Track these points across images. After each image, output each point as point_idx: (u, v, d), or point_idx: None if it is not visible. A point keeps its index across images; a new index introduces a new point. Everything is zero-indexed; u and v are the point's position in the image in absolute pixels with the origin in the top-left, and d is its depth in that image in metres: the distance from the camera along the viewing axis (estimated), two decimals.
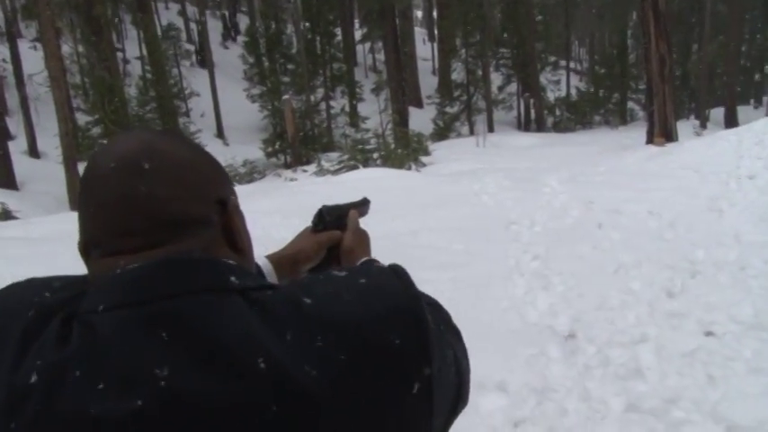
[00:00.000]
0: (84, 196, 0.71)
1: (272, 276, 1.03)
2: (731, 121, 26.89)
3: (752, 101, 37.47)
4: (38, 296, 0.70)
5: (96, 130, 19.43)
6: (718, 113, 30.18)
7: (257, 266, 1.00)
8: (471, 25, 30.60)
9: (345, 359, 0.62)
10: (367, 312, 0.66)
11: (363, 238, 1.15)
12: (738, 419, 2.87)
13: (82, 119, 20.57)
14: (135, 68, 29.84)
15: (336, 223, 1.13)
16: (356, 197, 1.25)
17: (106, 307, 0.63)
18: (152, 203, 0.68)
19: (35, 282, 0.75)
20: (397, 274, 0.74)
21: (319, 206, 1.14)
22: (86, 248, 0.71)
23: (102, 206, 0.68)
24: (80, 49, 23.83)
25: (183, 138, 0.77)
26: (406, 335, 0.66)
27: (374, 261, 1.05)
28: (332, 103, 30.04)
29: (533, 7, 32.25)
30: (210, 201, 0.73)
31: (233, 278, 0.66)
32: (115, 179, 0.68)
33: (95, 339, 0.61)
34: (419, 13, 58.03)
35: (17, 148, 20.37)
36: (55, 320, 0.64)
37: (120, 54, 28.31)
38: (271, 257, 1.08)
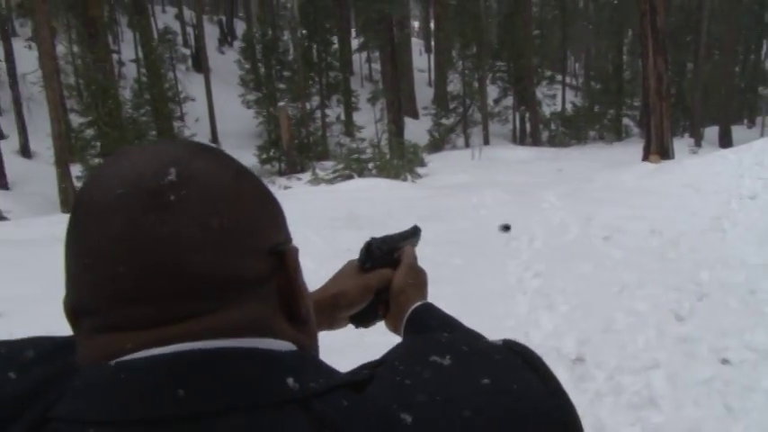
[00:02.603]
0: (74, 238, 0.48)
1: None
2: (725, 141, 27.04)
3: (745, 120, 37.66)
4: None
5: (90, 132, 19.18)
6: (711, 132, 30.32)
7: None
8: (468, 37, 30.63)
9: None
10: None
11: (420, 278, 0.94)
12: None
13: (75, 120, 20.33)
14: (130, 71, 29.63)
15: (386, 259, 0.94)
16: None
17: (94, 420, 0.42)
18: (177, 255, 0.45)
19: None
20: (532, 365, 0.51)
21: (367, 239, 0.94)
22: (75, 311, 0.49)
23: (100, 255, 0.45)
24: (75, 49, 23.66)
25: (224, 155, 0.53)
26: None
27: (431, 308, 0.87)
28: (327, 111, 29.93)
29: (530, 21, 32.27)
30: (263, 251, 0.50)
31: (290, 380, 0.45)
32: (123, 214, 0.45)
33: None
34: (416, 24, 58.16)
35: (9, 147, 20.16)
36: (15, 428, 0.44)
37: (115, 56, 28.10)
38: None
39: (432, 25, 42.40)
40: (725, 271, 5.29)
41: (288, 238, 0.55)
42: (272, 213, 0.53)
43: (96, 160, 18.97)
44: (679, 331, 4.12)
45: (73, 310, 0.49)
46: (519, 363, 0.51)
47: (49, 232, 6.96)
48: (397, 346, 0.54)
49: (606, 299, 4.91)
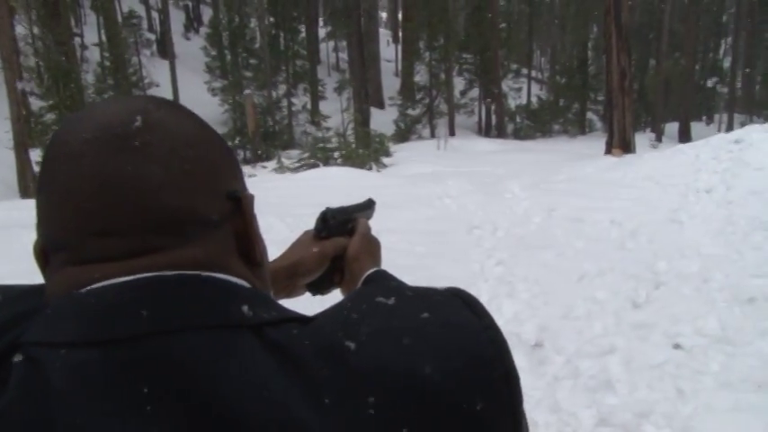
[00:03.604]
0: (46, 180, 0.51)
1: None
2: (685, 136, 27.66)
3: (704, 117, 38.56)
4: None
5: (50, 117, 18.73)
6: (672, 128, 31.00)
7: None
8: (435, 29, 30.68)
9: None
10: (439, 365, 0.47)
11: (374, 246, 0.98)
12: None
13: (35, 104, 19.84)
14: (93, 55, 28.99)
15: (341, 229, 0.97)
16: (354, 199, 1.09)
17: (66, 341, 0.44)
18: (143, 192, 0.49)
19: None
20: (468, 304, 0.54)
21: (322, 209, 0.97)
22: (45, 252, 0.52)
23: (71, 193, 0.49)
24: (35, 30, 23.07)
25: (186, 110, 0.57)
26: (493, 398, 0.48)
27: (385, 273, 0.90)
28: (293, 100, 29.74)
29: (498, 15, 32.47)
30: (220, 194, 0.54)
31: (245, 308, 0.48)
32: (93, 157, 0.49)
33: (44, 388, 0.42)
34: (384, 15, 58.04)
35: None
36: None
37: (77, 39, 27.51)
38: None
39: (399, 16, 42.40)
40: (681, 261, 5.43)
41: (244, 187, 0.58)
42: (230, 163, 0.57)
43: None
44: (635, 318, 4.23)
45: (43, 251, 0.52)
46: (458, 302, 0.54)
47: (11, 216, 6.82)
48: (347, 295, 0.58)
49: (567, 286, 5.01)
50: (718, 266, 5.22)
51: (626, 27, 16.10)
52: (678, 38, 34.38)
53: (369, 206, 1.06)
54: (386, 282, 0.85)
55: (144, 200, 0.49)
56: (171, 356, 0.43)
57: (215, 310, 0.47)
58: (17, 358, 0.45)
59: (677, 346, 3.74)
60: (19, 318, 0.49)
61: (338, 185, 9.70)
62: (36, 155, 17.80)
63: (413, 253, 6.03)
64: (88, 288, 0.47)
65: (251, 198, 0.57)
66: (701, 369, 3.44)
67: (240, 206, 0.55)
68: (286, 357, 0.45)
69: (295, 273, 0.91)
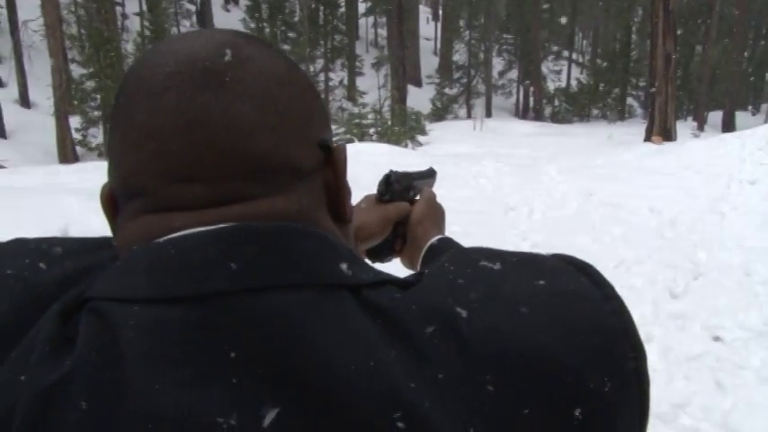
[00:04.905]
0: (121, 118, 0.45)
1: None
2: (729, 126, 26.90)
3: (750, 107, 37.50)
4: (27, 269, 0.46)
5: (90, 84, 18.99)
6: (715, 117, 30.18)
7: None
8: (476, 8, 30.33)
9: (536, 416, 0.39)
10: (562, 339, 0.41)
11: (439, 213, 0.93)
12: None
13: (76, 71, 20.11)
14: (134, 24, 29.22)
15: (403, 194, 0.93)
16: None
17: (141, 296, 0.39)
18: (234, 133, 0.43)
19: (24, 245, 0.50)
20: (587, 273, 0.48)
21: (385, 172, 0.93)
22: (114, 199, 0.46)
23: (153, 132, 0.43)
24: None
25: (275, 47, 0.50)
26: (622, 379, 0.42)
27: (450, 240, 0.85)
28: (331, 74, 29.73)
29: None
30: (312, 142, 0.48)
31: (344, 266, 0.42)
32: (178, 91, 0.43)
33: (116, 348, 0.37)
34: None
35: (8, 96, 19.95)
36: (50, 312, 0.41)
37: (119, 8, 27.75)
38: None
39: None
40: (722, 252, 5.31)
41: (332, 137, 0.53)
42: (321, 109, 0.51)
43: (96, 113, 18.81)
44: (674, 308, 4.15)
45: (112, 196, 0.47)
46: (572, 269, 0.48)
47: (48, 181, 6.93)
48: (441, 258, 0.51)
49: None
50: (762, 260, 5.09)
51: (674, 11, 15.67)
52: (728, 23, 33.40)
53: (431, 174, 1.02)
54: (465, 248, 0.80)
55: (235, 142, 0.43)
56: (264, 317, 0.38)
57: (313, 267, 0.41)
58: (86, 314, 0.40)
59: (717, 339, 3.66)
60: (83, 272, 0.45)
61: (373, 161, 9.65)
62: (75, 122, 18.10)
63: (447, 232, 6.00)
64: (167, 237, 0.41)
65: (344, 148, 0.51)
66: (742, 363, 3.36)
67: (332, 157, 0.50)
68: (391, 323, 0.40)
69: (357, 237, 0.84)
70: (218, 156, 0.43)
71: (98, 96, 18.65)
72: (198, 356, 0.37)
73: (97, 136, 18.68)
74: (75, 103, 18.36)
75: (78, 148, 17.86)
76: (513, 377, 0.39)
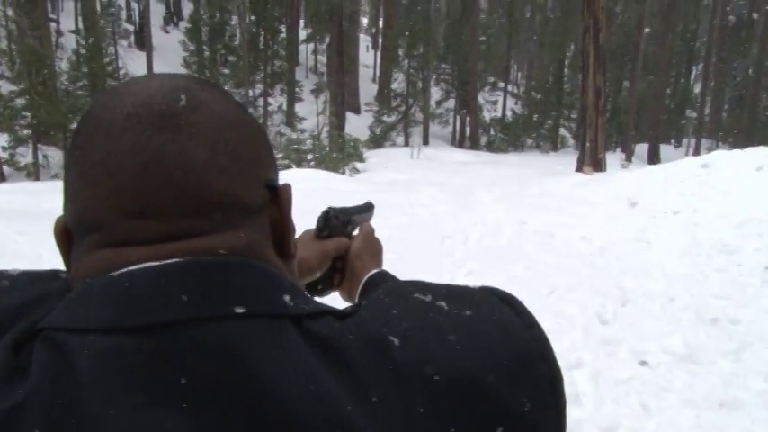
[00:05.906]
0: (79, 156, 0.47)
1: None
2: (654, 158, 28.14)
3: (672, 141, 39.35)
4: None
5: (20, 102, 18.36)
6: (641, 149, 31.56)
7: None
8: (415, 38, 30.85)
9: None
10: (487, 363, 0.45)
11: (377, 247, 0.97)
12: None
13: (5, 87, 19.42)
14: (69, 42, 28.43)
15: (342, 229, 0.96)
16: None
17: (96, 327, 0.41)
18: (187, 173, 0.45)
19: None
20: (510, 304, 0.53)
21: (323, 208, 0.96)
22: (68, 232, 0.49)
23: (110, 171, 0.45)
24: (10, 13, 22.61)
25: (227, 92, 0.54)
26: (540, 399, 0.46)
27: (387, 274, 0.88)
28: (270, 100, 29.59)
29: (478, 27, 32.76)
30: (260, 181, 0.51)
31: (287, 297, 0.45)
32: (135, 133, 0.45)
33: (70, 376, 0.39)
34: (365, 20, 58.11)
35: None
36: (2, 342, 0.42)
37: (53, 25, 27.02)
38: None
39: (380, 23, 42.47)
40: (647, 279, 5.52)
41: (278, 178, 0.56)
42: (268, 150, 0.55)
43: (26, 131, 18.18)
44: (603, 333, 4.28)
45: (66, 230, 0.49)
46: (496, 300, 0.53)
47: None
48: (377, 291, 0.55)
49: (536, 300, 5.04)
50: (683, 286, 5.33)
51: (603, 47, 16.34)
52: (652, 61, 35.07)
53: (368, 209, 1.05)
54: (399, 281, 0.84)
55: (188, 181, 0.45)
56: (212, 345, 0.40)
57: (258, 298, 0.44)
58: (40, 343, 0.41)
59: (643, 363, 3.79)
60: (32, 303, 0.47)
61: (311, 188, 9.65)
62: (3, 140, 17.42)
63: (385, 259, 6.03)
64: (121, 271, 0.44)
65: (289, 188, 0.55)
66: (666, 386, 3.49)
67: (277, 196, 0.53)
68: (330, 351, 0.43)
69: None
70: (172, 194, 0.45)
71: (28, 114, 18.03)
72: (151, 383, 0.39)
73: (26, 155, 18.02)
74: (4, 120, 17.68)
75: (6, 168, 17.20)
76: (441, 399, 0.43)
